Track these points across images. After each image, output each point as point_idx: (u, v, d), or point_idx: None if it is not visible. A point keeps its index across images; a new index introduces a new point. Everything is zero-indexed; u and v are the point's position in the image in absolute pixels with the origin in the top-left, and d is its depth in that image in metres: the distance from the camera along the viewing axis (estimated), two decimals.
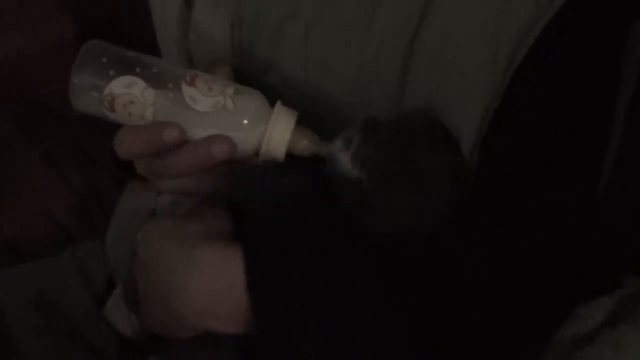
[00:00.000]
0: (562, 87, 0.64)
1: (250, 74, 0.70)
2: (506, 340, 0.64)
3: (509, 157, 0.65)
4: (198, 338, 0.65)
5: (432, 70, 0.64)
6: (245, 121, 0.62)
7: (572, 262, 0.65)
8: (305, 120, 0.65)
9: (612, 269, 0.67)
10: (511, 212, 0.65)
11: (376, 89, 0.66)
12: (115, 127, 0.64)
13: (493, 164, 0.65)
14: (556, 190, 0.65)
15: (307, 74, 0.68)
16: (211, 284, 0.61)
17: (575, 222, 0.65)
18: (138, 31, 0.80)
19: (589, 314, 0.65)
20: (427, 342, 0.62)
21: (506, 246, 0.64)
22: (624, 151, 0.66)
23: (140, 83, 0.61)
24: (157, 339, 0.71)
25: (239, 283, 0.61)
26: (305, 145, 0.63)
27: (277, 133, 0.62)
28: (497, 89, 0.63)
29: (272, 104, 0.64)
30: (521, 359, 0.65)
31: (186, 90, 0.61)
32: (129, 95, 0.61)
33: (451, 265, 0.64)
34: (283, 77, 0.69)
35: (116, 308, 0.81)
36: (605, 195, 0.66)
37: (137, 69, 0.61)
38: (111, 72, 0.61)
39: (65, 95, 0.62)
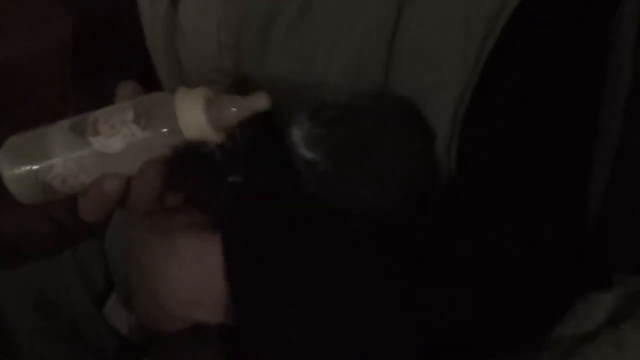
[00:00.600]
0: (538, 69, 0.63)
1: (238, 75, 0.70)
2: (495, 332, 0.64)
3: (487, 145, 0.65)
4: (189, 338, 0.65)
5: (411, 61, 0.64)
6: (162, 130, 0.60)
7: (561, 255, 0.64)
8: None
9: (608, 267, 0.67)
10: (493, 202, 0.64)
11: (358, 87, 0.66)
12: None
13: (471, 151, 0.65)
14: (541, 176, 0.64)
15: (291, 74, 0.67)
16: (192, 272, 0.62)
17: (562, 213, 0.65)
18: (137, 31, 0.80)
19: (589, 313, 0.65)
20: (407, 325, 0.62)
21: (489, 235, 0.64)
22: (623, 148, 0.65)
23: (57, 161, 0.61)
24: (150, 340, 0.71)
25: (218, 271, 0.61)
26: (233, 112, 0.60)
27: (190, 120, 0.60)
28: (470, 74, 0.63)
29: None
30: (512, 354, 0.65)
31: (95, 142, 0.60)
32: (58, 175, 0.61)
33: (433, 253, 0.63)
34: (269, 77, 0.69)
35: (115, 308, 0.81)
36: (605, 194, 0.66)
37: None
38: (32, 166, 0.61)
39: (65, 96, 0.63)
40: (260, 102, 0.60)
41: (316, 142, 0.61)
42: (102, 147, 0.60)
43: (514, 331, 0.64)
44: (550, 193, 0.64)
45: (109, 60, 1.06)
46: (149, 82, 0.80)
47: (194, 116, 0.60)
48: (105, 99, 0.67)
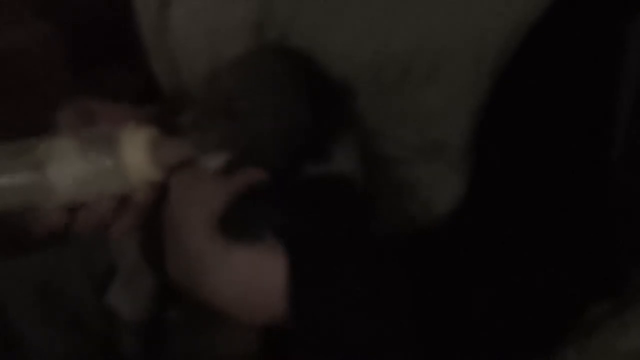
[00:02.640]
0: (557, 80, 0.63)
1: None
2: (509, 341, 0.64)
3: (509, 154, 0.65)
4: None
5: (409, 76, 0.63)
6: (108, 170, 0.61)
7: (580, 261, 0.65)
8: None
9: (619, 265, 0.67)
10: (514, 212, 0.65)
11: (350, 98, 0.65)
12: None
13: (489, 166, 0.65)
14: (560, 183, 0.65)
15: None
16: (247, 288, 0.61)
17: (583, 221, 0.65)
18: (134, 26, 0.80)
19: (595, 302, 0.65)
20: (444, 339, 0.62)
21: (512, 247, 0.64)
22: (628, 149, 0.66)
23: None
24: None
25: (277, 291, 0.60)
26: (173, 156, 0.62)
27: (133, 163, 0.61)
28: (484, 92, 0.63)
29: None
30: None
31: (47, 174, 0.61)
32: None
33: (458, 267, 0.64)
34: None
35: (117, 296, 0.81)
36: (611, 193, 0.66)
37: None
38: None
39: (66, 89, 0.63)
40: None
41: (200, 146, 0.61)
42: (51, 183, 0.60)
43: (531, 338, 0.64)
44: (570, 204, 0.65)
45: (110, 52, 1.06)
46: (150, 75, 0.80)
47: (136, 159, 0.60)
48: (106, 92, 0.67)
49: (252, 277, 0.60)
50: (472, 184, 0.66)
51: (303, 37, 0.65)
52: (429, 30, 0.62)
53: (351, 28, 0.64)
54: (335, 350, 0.60)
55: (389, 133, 0.66)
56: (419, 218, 0.68)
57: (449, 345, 0.62)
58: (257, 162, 0.63)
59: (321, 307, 0.60)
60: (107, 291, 0.82)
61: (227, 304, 0.62)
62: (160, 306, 0.75)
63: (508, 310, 0.64)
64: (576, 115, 0.64)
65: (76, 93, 0.71)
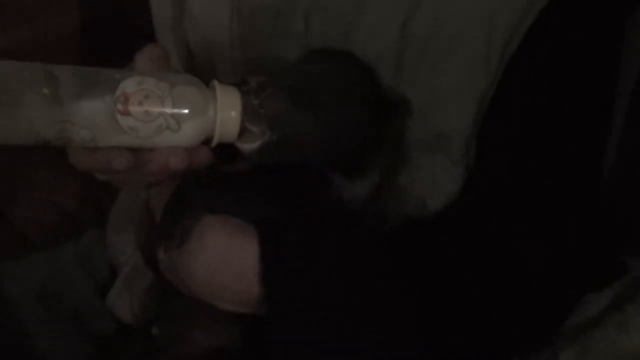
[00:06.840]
0: (560, 73, 0.64)
1: (248, 64, 0.70)
2: (510, 330, 0.64)
3: (508, 145, 0.65)
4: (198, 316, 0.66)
5: (425, 60, 0.64)
6: (196, 126, 0.57)
7: (577, 250, 0.65)
8: None
9: (617, 255, 0.67)
10: (512, 201, 0.65)
11: None
12: None
13: (492, 152, 0.65)
14: (557, 178, 0.65)
15: None
16: (219, 274, 0.61)
17: (579, 209, 0.65)
18: (147, 20, 0.80)
19: (595, 299, 0.65)
20: (436, 333, 0.62)
21: (509, 236, 0.64)
22: (626, 140, 0.66)
23: (62, 114, 0.53)
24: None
25: (250, 273, 0.61)
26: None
27: (226, 118, 0.57)
28: (493, 76, 0.63)
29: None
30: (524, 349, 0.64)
31: (123, 121, 0.54)
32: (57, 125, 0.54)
33: (456, 258, 0.64)
34: (283, 67, 0.68)
35: (118, 297, 0.81)
36: (609, 183, 0.66)
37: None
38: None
39: None
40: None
41: (250, 113, 0.58)
42: (130, 130, 0.54)
43: (528, 332, 0.64)
44: (565, 194, 0.65)
45: (118, 49, 1.06)
46: None
47: (230, 115, 0.57)
48: None
49: (222, 259, 0.61)
50: (471, 176, 0.66)
51: (326, 20, 0.66)
52: (445, 12, 0.62)
53: (375, 10, 0.64)
54: (310, 333, 0.60)
55: (396, 124, 0.66)
56: (414, 214, 0.69)
57: (438, 338, 0.62)
58: (295, 157, 0.62)
59: (294, 288, 0.60)
60: (108, 294, 0.82)
61: (201, 287, 0.62)
62: (159, 308, 0.75)
63: (504, 302, 0.64)
64: (576, 107, 0.64)
65: None
